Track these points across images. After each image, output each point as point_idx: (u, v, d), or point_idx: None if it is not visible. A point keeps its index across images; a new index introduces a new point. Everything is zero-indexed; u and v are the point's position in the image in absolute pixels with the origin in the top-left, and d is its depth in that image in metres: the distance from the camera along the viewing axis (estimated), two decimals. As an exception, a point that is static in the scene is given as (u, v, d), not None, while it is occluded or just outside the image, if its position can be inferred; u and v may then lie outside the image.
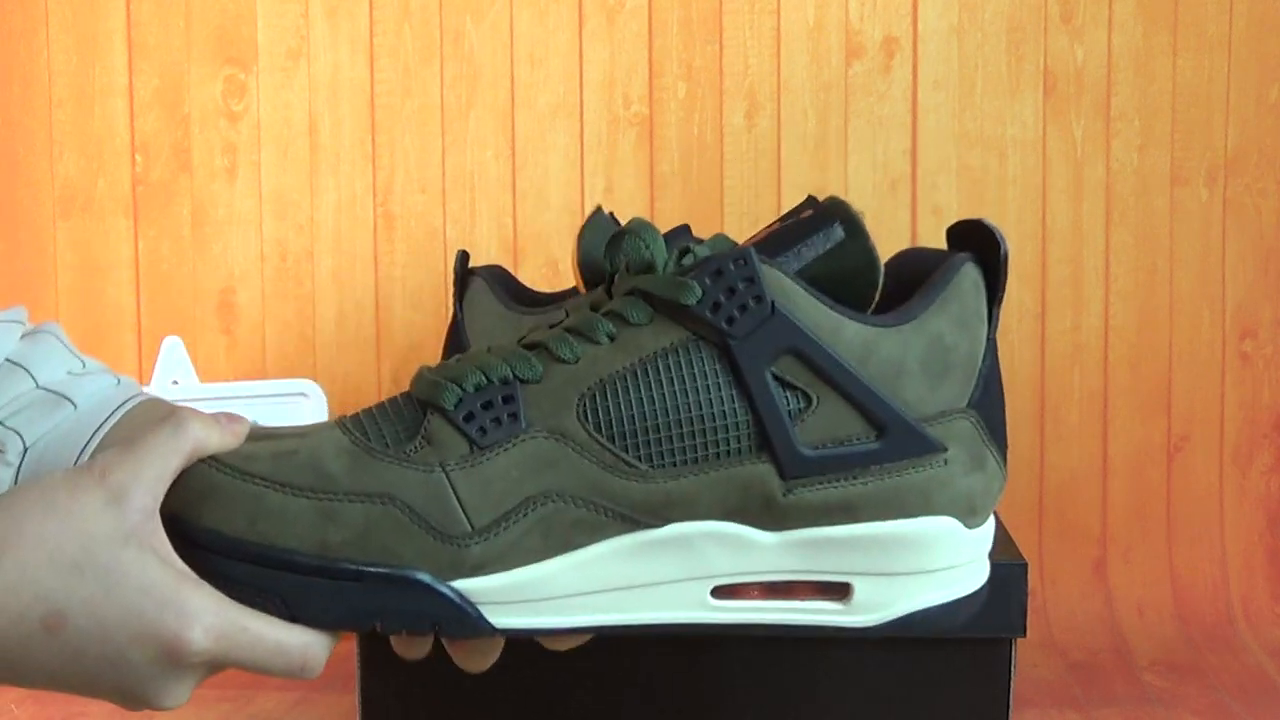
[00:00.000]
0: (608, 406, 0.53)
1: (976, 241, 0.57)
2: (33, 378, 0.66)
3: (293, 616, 0.51)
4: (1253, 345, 1.46)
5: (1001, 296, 0.57)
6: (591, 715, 0.98)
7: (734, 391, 0.54)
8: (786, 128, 1.45)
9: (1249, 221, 1.45)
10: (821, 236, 0.56)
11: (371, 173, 1.48)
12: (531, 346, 0.55)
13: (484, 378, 0.54)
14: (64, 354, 0.68)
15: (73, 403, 0.66)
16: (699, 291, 0.53)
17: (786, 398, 0.54)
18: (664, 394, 0.54)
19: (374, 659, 0.98)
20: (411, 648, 0.56)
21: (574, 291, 1.02)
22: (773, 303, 0.53)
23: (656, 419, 0.54)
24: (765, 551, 0.55)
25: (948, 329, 0.55)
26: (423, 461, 0.53)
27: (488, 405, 0.54)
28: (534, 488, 0.53)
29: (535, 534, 0.53)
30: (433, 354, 1.45)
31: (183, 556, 0.51)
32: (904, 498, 0.55)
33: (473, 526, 0.52)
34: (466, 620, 0.53)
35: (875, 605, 0.56)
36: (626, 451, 0.54)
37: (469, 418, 0.53)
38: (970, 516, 0.56)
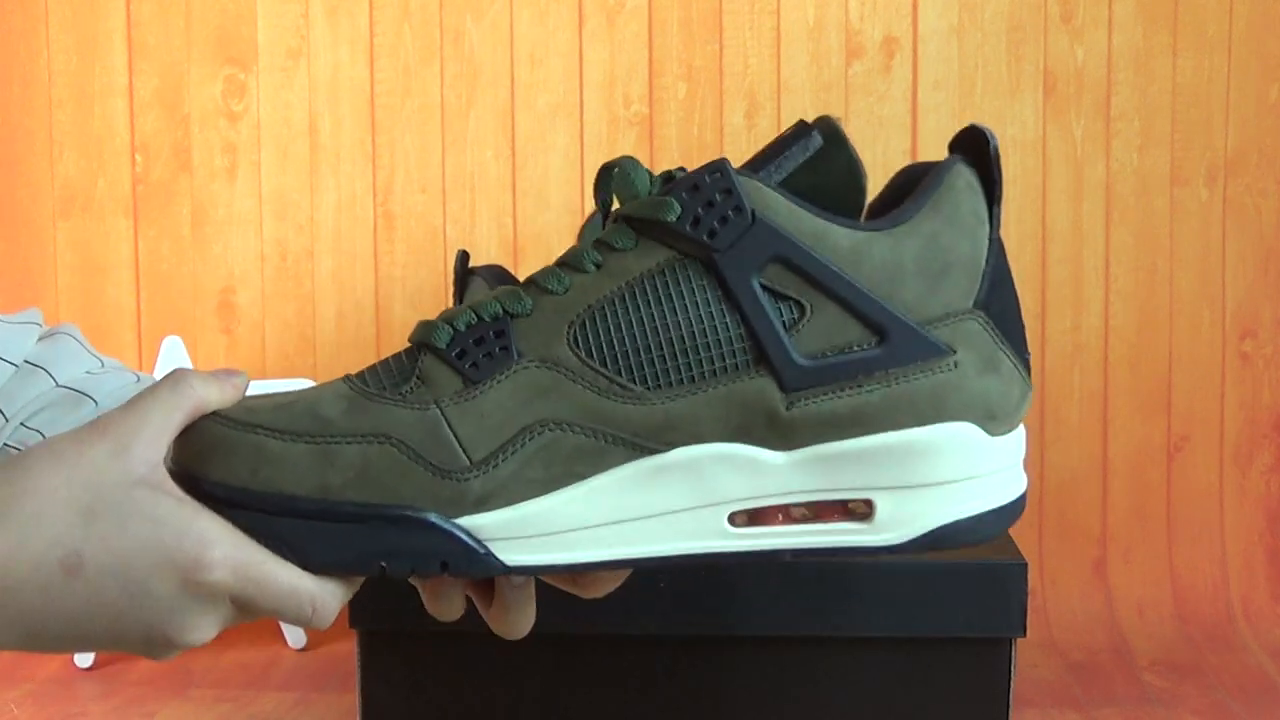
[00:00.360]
0: (597, 331, 0.53)
1: (970, 146, 0.57)
2: (52, 378, 0.67)
3: (302, 563, 0.51)
4: (1253, 345, 1.46)
5: (999, 195, 0.56)
6: (592, 715, 0.98)
7: (723, 306, 0.53)
8: (786, 128, 1.45)
9: (1249, 221, 1.45)
10: (800, 147, 0.56)
11: (371, 173, 1.48)
12: (525, 284, 0.55)
13: (474, 315, 0.54)
14: (82, 354, 0.68)
15: (94, 400, 0.66)
16: (678, 208, 0.53)
17: (779, 308, 0.53)
18: (653, 314, 0.53)
19: (374, 659, 0.98)
20: (444, 605, 0.56)
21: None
22: (753, 212, 0.53)
23: (647, 339, 0.53)
24: (778, 472, 0.54)
25: (943, 229, 0.54)
26: (418, 400, 0.53)
27: (479, 341, 0.54)
28: (529, 417, 0.53)
29: (536, 464, 0.53)
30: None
31: (240, 519, 0.52)
32: (915, 404, 0.53)
33: (470, 460, 0.52)
34: (475, 558, 0.52)
35: (899, 521, 0.54)
36: (620, 375, 0.53)
37: (461, 354, 0.54)
38: (990, 421, 0.54)
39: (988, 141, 0.56)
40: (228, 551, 0.49)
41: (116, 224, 1.49)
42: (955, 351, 0.53)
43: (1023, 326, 0.56)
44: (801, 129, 0.56)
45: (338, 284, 1.49)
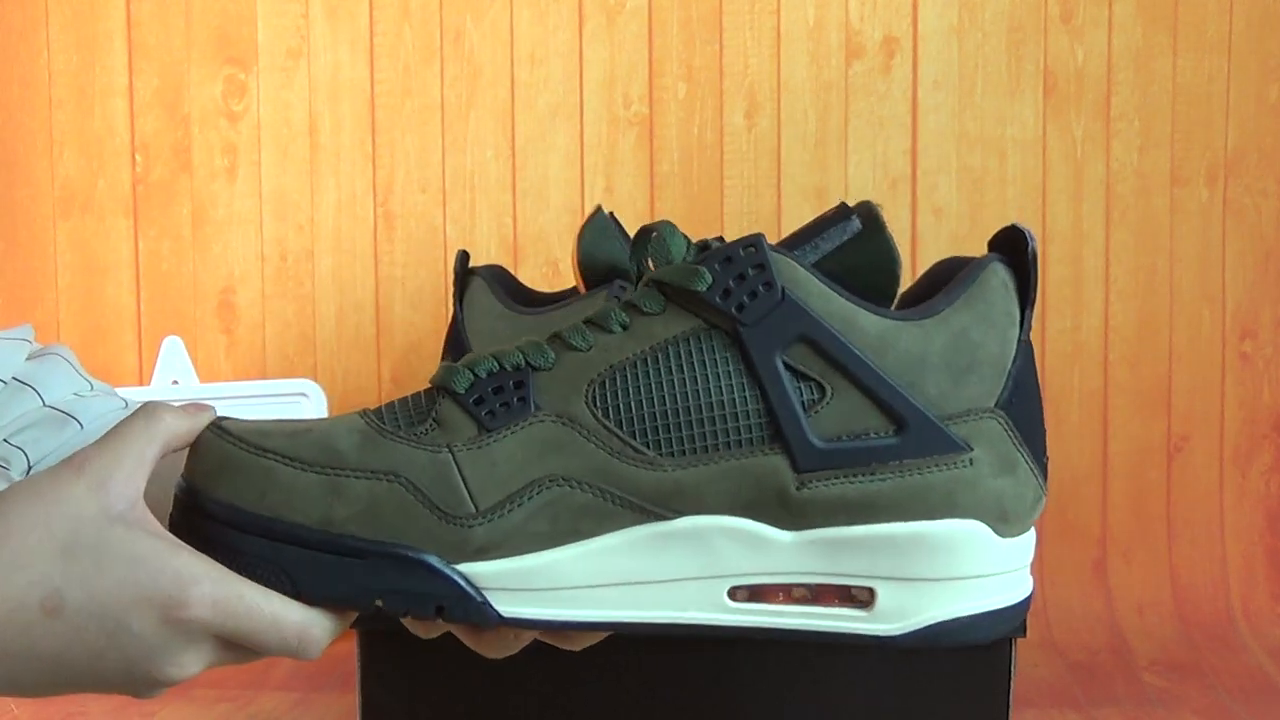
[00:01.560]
0: (616, 392, 0.53)
1: (1009, 245, 0.57)
2: (40, 396, 0.67)
3: (297, 592, 0.52)
4: (1253, 345, 1.46)
5: (1033, 299, 0.55)
6: (592, 715, 0.98)
7: (744, 380, 0.53)
8: (786, 128, 1.45)
9: (1249, 221, 1.45)
10: (838, 230, 0.56)
11: (371, 173, 1.48)
12: (550, 339, 0.55)
13: (496, 364, 0.55)
14: (72, 375, 0.68)
15: (79, 422, 0.66)
16: (709, 278, 0.53)
17: (800, 388, 0.53)
18: (673, 381, 0.54)
19: (374, 659, 0.98)
20: (423, 628, 0.56)
21: (574, 291, 1.02)
22: (783, 289, 0.53)
23: (665, 406, 0.53)
24: (783, 551, 0.54)
25: (973, 325, 0.54)
26: (431, 442, 0.53)
27: (498, 390, 0.54)
28: (540, 471, 0.53)
29: (542, 518, 0.53)
30: (433, 354, 1.45)
31: (195, 528, 0.52)
32: (927, 497, 0.53)
33: (477, 507, 0.52)
34: (471, 605, 0.53)
35: (900, 613, 0.54)
36: (634, 438, 0.53)
37: (479, 401, 0.54)
38: (1002, 523, 0.54)
39: (1026, 243, 0.56)
40: (206, 589, 0.49)
41: (116, 224, 1.49)
42: (973, 449, 0.54)
43: (1043, 431, 0.56)
44: (842, 211, 0.56)
45: (338, 284, 1.49)
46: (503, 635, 0.57)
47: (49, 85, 1.49)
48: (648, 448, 0.53)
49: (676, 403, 0.53)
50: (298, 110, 1.48)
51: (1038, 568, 1.44)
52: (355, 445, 0.53)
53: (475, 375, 0.54)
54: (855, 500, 0.53)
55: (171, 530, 0.53)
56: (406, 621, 0.56)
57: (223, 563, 0.51)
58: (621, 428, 0.53)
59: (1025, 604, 0.56)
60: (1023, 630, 0.94)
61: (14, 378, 0.67)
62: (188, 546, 0.50)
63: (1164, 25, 1.44)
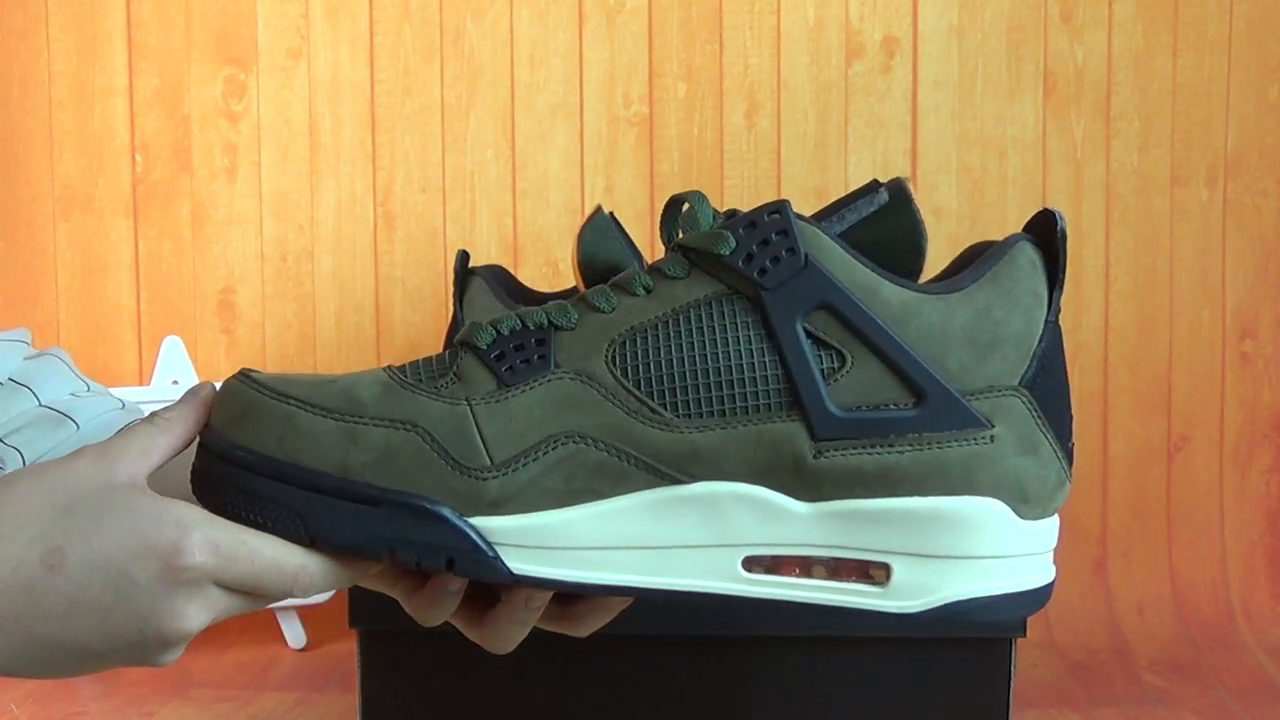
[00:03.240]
0: (636, 353, 0.54)
1: (1041, 228, 0.57)
2: (35, 397, 0.67)
3: (311, 537, 0.52)
4: (1253, 345, 1.46)
5: (1062, 279, 0.56)
6: (591, 715, 0.98)
7: (764, 345, 0.53)
8: (786, 128, 1.45)
9: (1249, 221, 1.45)
10: (865, 201, 0.56)
11: (371, 173, 1.48)
12: (575, 301, 0.56)
13: (520, 322, 0.55)
14: (68, 376, 0.69)
15: (75, 423, 0.66)
16: (733, 242, 0.53)
17: (820, 355, 0.53)
18: (693, 344, 0.54)
19: (374, 659, 0.98)
20: (432, 610, 0.56)
21: (574, 291, 1.02)
22: (806, 255, 0.53)
23: (684, 368, 0.53)
24: (798, 522, 0.53)
25: (997, 302, 0.54)
26: (450, 395, 0.54)
27: (520, 347, 0.54)
28: (556, 427, 0.53)
29: (556, 475, 0.53)
30: (433, 354, 1.45)
31: (215, 472, 0.53)
32: (945, 472, 0.53)
33: (492, 460, 0.52)
34: (483, 559, 0.52)
35: (915, 590, 0.54)
36: (652, 398, 0.53)
37: (500, 357, 0.54)
38: (1022, 503, 0.54)
39: (1056, 224, 0.56)
40: (206, 533, 0.49)
41: (116, 224, 1.49)
42: (994, 425, 0.53)
43: (1070, 416, 0.56)
44: (871, 185, 0.56)
45: (338, 284, 1.48)
46: (505, 625, 0.56)
47: (49, 85, 1.49)
48: (665, 409, 0.53)
49: (695, 365, 0.53)
50: (298, 110, 1.48)
51: (1038, 568, 1.45)
52: (376, 395, 0.53)
53: (498, 332, 0.55)
54: (872, 472, 0.53)
55: (192, 476, 0.54)
56: (410, 602, 0.57)
57: (239, 506, 0.52)
58: (640, 388, 0.53)
59: (1047, 590, 0.56)
60: (1023, 630, 0.94)
61: (10, 378, 0.67)
62: (184, 502, 0.51)
63: (1164, 25, 1.44)
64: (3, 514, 0.48)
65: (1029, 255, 0.56)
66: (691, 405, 0.53)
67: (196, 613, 0.50)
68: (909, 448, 0.53)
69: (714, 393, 0.53)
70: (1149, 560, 1.44)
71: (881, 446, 0.53)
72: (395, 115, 1.48)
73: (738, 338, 0.53)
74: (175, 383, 1.37)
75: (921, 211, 0.56)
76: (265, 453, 0.52)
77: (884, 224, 0.56)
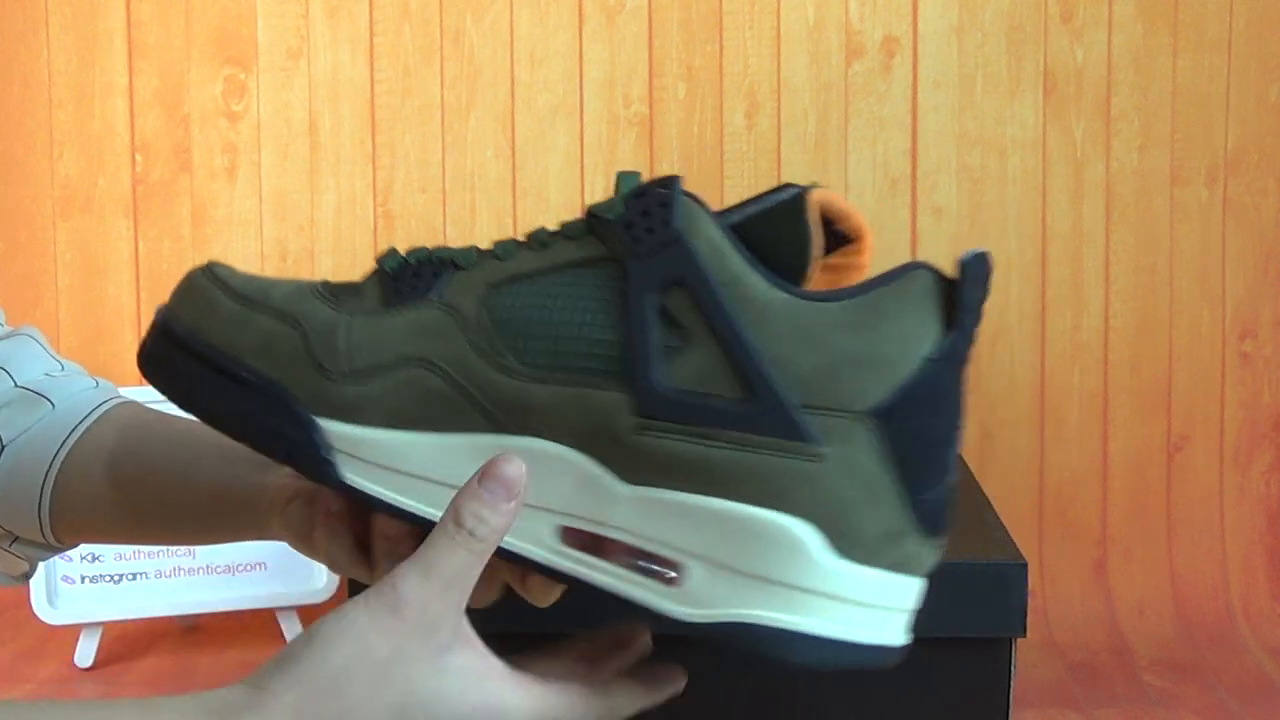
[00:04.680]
0: (505, 299, 0.54)
1: (967, 267, 0.53)
2: (11, 377, 0.67)
3: (189, 402, 0.57)
4: (1253, 345, 1.46)
5: (964, 324, 0.50)
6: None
7: (614, 310, 0.52)
8: (786, 128, 1.45)
9: (1249, 221, 1.45)
10: (767, 197, 0.54)
11: (371, 173, 1.48)
12: (487, 248, 0.57)
13: (427, 255, 0.57)
14: (43, 356, 0.69)
15: (51, 402, 0.66)
16: (620, 209, 0.53)
17: (666, 333, 0.51)
18: (555, 298, 0.54)
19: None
20: (480, 590, 0.57)
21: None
22: (679, 231, 0.52)
23: (537, 316, 0.54)
24: (617, 503, 0.52)
25: (870, 323, 0.50)
26: (342, 306, 0.56)
27: (415, 275, 0.56)
28: (411, 349, 0.54)
29: (401, 395, 0.54)
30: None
31: (150, 344, 0.57)
32: (761, 480, 0.50)
33: (349, 367, 0.55)
34: (317, 459, 0.55)
35: (705, 599, 0.50)
36: (503, 342, 0.54)
37: (395, 280, 0.56)
38: (840, 538, 0.49)
39: (980, 267, 0.51)
40: None
41: (116, 224, 1.49)
42: (825, 445, 0.49)
43: (942, 470, 0.50)
44: (781, 187, 0.54)
45: (338, 284, 1.49)
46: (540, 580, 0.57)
47: (49, 85, 1.49)
48: (509, 354, 0.53)
49: (548, 318, 0.53)
50: (298, 110, 1.48)
51: (1038, 568, 1.44)
52: (285, 294, 0.56)
53: (406, 261, 0.57)
54: (690, 461, 0.51)
55: (140, 350, 0.58)
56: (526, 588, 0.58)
57: (165, 374, 0.57)
58: (495, 329, 0.54)
59: (881, 652, 0.50)
60: (1023, 630, 0.94)
61: None
62: (509, 676, 0.51)
63: (1164, 25, 1.44)
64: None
65: (923, 285, 0.51)
66: (535, 356, 0.53)
67: None
68: (729, 446, 0.50)
69: (554, 345, 0.53)
70: (1149, 560, 1.44)
71: (702, 438, 0.50)
72: (395, 115, 1.48)
73: (593, 298, 0.53)
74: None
75: (816, 229, 0.53)
76: (188, 328, 0.57)
77: (777, 225, 0.53)
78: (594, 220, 0.54)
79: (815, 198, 0.53)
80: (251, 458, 0.63)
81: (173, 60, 1.48)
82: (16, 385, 0.67)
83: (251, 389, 0.56)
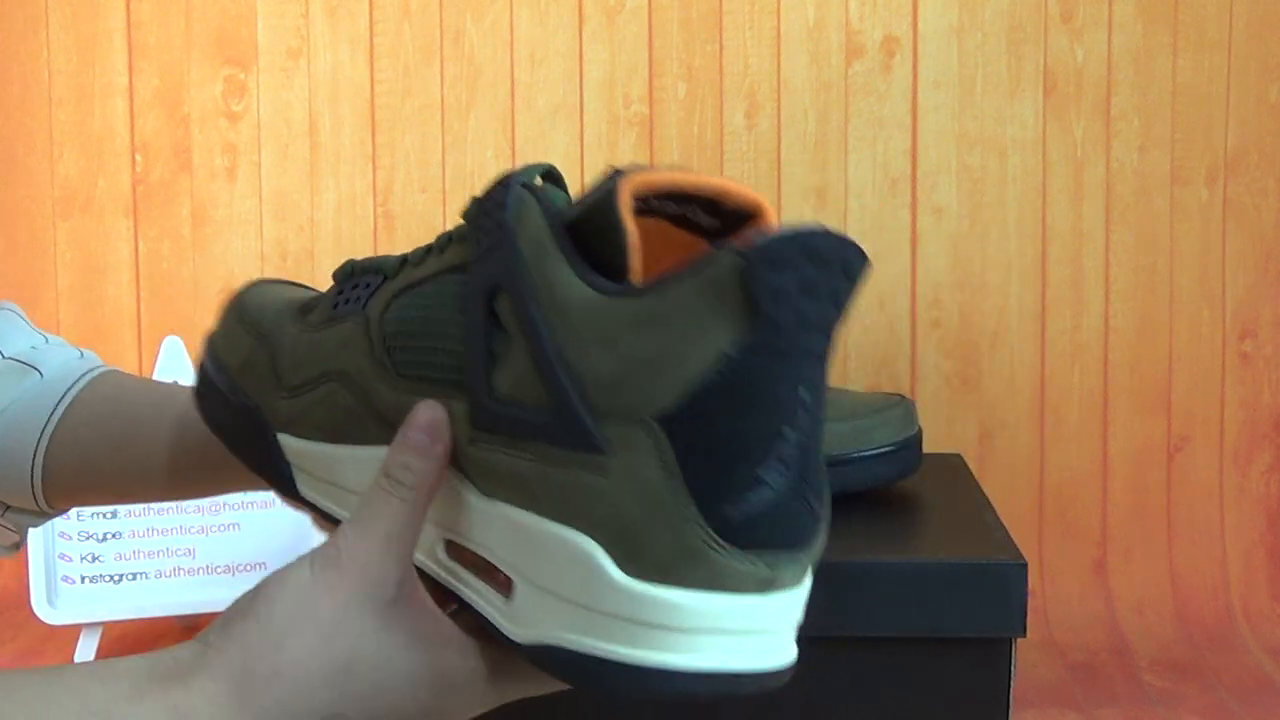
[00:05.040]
0: (400, 305, 0.53)
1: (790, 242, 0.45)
2: None
3: (203, 417, 0.60)
4: (1253, 345, 1.46)
5: (767, 312, 0.43)
6: (590, 714, 0.98)
7: (458, 317, 0.50)
8: (786, 128, 1.45)
9: (1249, 221, 1.45)
10: (596, 188, 0.49)
11: (371, 173, 1.48)
12: (410, 253, 0.56)
13: (366, 266, 0.57)
14: (26, 329, 0.71)
15: (40, 372, 0.67)
16: (474, 210, 0.50)
17: (497, 338, 0.48)
18: (425, 307, 0.52)
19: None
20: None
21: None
22: (510, 230, 0.48)
23: (412, 328, 0.52)
24: (472, 514, 0.49)
25: (664, 318, 0.44)
26: (302, 321, 0.57)
27: (354, 287, 0.56)
28: (331, 364, 0.54)
29: (321, 409, 0.54)
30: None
31: (200, 367, 0.60)
32: (557, 493, 0.46)
33: (291, 382, 0.56)
34: (281, 472, 0.55)
35: (526, 618, 0.47)
36: (390, 353, 0.52)
37: (339, 293, 0.57)
38: (629, 558, 0.44)
39: (778, 245, 0.43)
40: (481, 687, 0.50)
41: (116, 224, 1.49)
42: (611, 455, 0.44)
43: (751, 482, 0.44)
44: (612, 172, 0.49)
45: (338, 284, 1.49)
46: None
47: (49, 85, 1.49)
48: (392, 364, 0.52)
49: (418, 326, 0.52)
50: (298, 110, 1.48)
51: (1038, 568, 1.44)
52: (273, 313, 0.58)
53: (350, 271, 0.57)
54: (506, 474, 0.48)
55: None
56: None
57: (197, 389, 0.59)
58: (384, 340, 0.53)
59: (715, 679, 0.45)
60: (1023, 630, 0.94)
61: None
62: (456, 637, 0.49)
63: (1164, 25, 1.44)
64: (284, 688, 0.47)
65: (724, 272, 0.43)
66: (407, 367, 0.52)
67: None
68: (534, 459, 0.46)
69: (421, 358, 0.51)
70: (1149, 560, 1.44)
71: (515, 449, 0.47)
72: (395, 115, 1.48)
73: (450, 307, 0.51)
74: (175, 383, 1.38)
75: (627, 218, 0.46)
76: (210, 348, 0.60)
77: (599, 215, 0.48)
78: (464, 223, 0.51)
79: (632, 183, 0.47)
80: None
81: (173, 60, 1.48)
82: (5, 357, 0.68)
83: (235, 406, 0.57)
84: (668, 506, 0.43)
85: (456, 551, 0.51)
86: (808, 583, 0.47)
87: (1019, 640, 0.96)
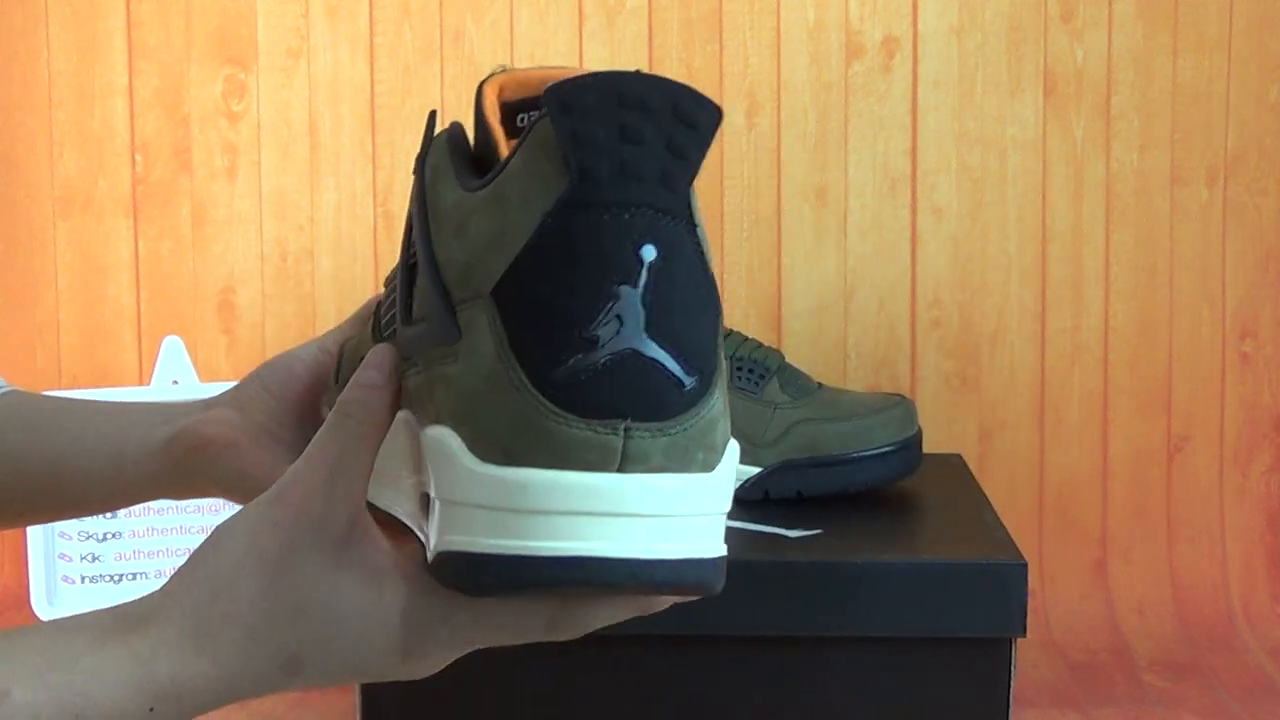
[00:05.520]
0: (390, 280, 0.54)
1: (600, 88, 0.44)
2: None
3: None
4: (1253, 345, 1.46)
5: (578, 165, 0.40)
6: (590, 714, 0.98)
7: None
8: (786, 128, 1.45)
9: (1249, 221, 1.45)
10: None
11: (371, 173, 1.48)
12: None
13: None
14: None
15: None
16: (417, 160, 0.50)
17: (412, 270, 0.48)
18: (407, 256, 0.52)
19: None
20: None
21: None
22: (424, 165, 0.48)
23: (390, 298, 0.52)
24: (417, 448, 0.48)
25: (500, 194, 0.42)
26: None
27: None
28: (363, 349, 0.54)
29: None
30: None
31: None
32: (432, 395, 0.44)
33: (344, 375, 0.57)
34: None
35: (433, 536, 0.45)
36: (378, 328, 0.53)
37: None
38: (476, 440, 0.42)
39: (563, 90, 0.40)
40: (438, 631, 0.48)
41: (116, 224, 1.49)
42: (459, 340, 0.43)
43: (577, 344, 0.41)
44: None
45: (338, 284, 1.48)
46: None
47: (49, 85, 1.49)
48: (379, 333, 0.53)
49: (392, 294, 0.52)
50: (298, 110, 1.48)
51: (1038, 568, 1.44)
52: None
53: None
54: (412, 394, 0.46)
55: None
56: None
57: None
58: (378, 317, 0.54)
59: (591, 564, 0.41)
60: (1023, 630, 0.94)
61: None
62: (418, 577, 0.48)
63: (1164, 25, 1.44)
64: (238, 630, 0.46)
65: (542, 134, 0.41)
66: (384, 328, 0.52)
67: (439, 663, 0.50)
68: (420, 368, 0.45)
69: (389, 314, 0.51)
70: (1149, 560, 1.44)
71: (415, 367, 0.46)
72: (395, 115, 1.48)
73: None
74: (175, 383, 1.37)
75: (491, 116, 0.45)
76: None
77: (478, 127, 0.47)
78: None
79: (495, 84, 0.46)
80: (150, 413, 0.63)
81: (173, 60, 1.48)
82: None
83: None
84: (499, 378, 0.41)
85: (424, 501, 0.48)
86: (708, 475, 0.43)
87: (1019, 640, 0.96)
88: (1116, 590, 1.43)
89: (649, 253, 0.41)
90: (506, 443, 0.41)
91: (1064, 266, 1.45)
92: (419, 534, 0.50)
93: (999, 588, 0.94)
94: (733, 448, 0.44)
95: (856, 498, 1.09)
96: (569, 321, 0.40)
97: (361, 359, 0.51)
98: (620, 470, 0.41)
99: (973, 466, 1.33)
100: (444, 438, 0.43)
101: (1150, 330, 1.46)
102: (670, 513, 0.42)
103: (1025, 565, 0.95)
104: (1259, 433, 1.46)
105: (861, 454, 1.09)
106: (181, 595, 0.47)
